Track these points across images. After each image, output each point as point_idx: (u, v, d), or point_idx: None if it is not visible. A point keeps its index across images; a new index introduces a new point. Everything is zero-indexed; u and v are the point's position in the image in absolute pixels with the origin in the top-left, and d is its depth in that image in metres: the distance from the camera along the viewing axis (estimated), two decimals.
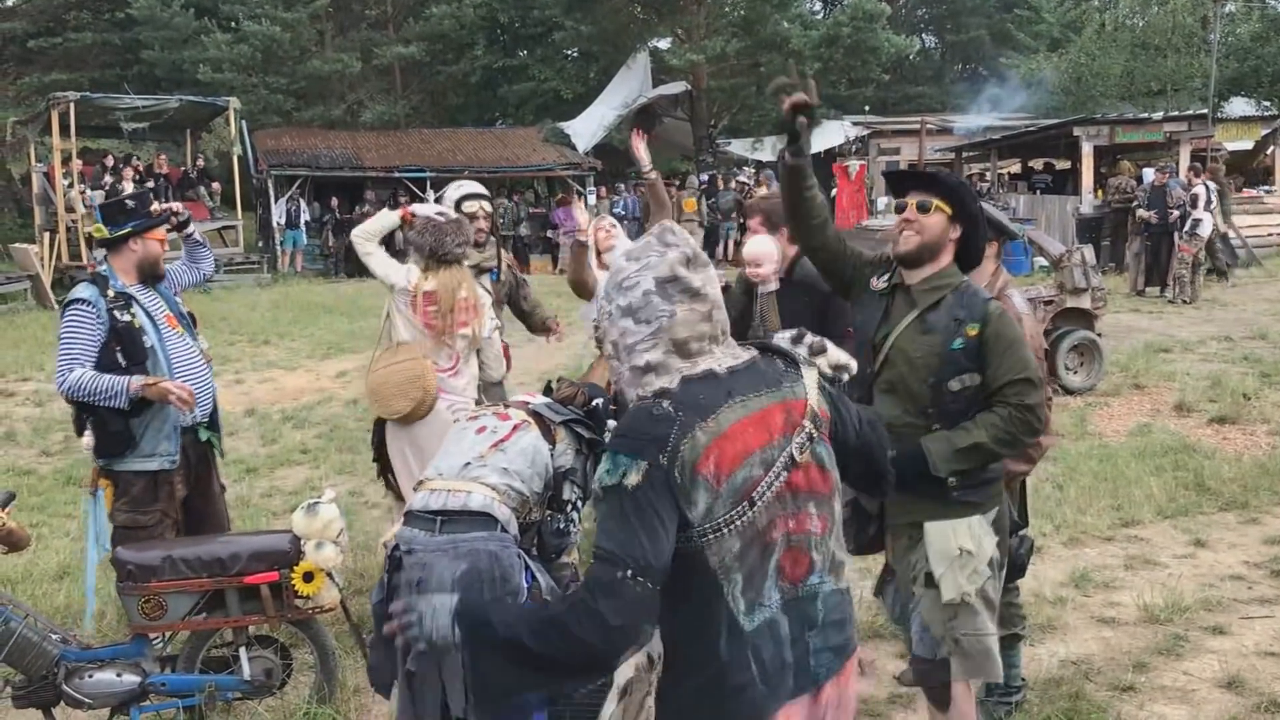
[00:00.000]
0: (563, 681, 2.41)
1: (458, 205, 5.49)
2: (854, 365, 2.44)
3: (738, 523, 2.15)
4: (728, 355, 2.27)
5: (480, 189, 5.74)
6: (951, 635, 3.32)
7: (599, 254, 5.90)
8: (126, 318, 4.43)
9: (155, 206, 4.68)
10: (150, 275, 4.62)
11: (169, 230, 4.80)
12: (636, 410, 2.21)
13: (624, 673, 2.47)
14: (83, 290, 4.44)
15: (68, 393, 4.34)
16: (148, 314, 4.52)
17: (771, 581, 2.20)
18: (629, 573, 2.05)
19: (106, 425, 4.40)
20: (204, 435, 4.70)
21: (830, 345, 2.41)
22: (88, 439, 4.49)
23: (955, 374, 3.25)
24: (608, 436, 4.05)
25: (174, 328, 4.61)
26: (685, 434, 2.12)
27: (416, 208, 5.26)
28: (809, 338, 2.39)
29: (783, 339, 2.39)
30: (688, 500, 2.12)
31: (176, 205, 5.11)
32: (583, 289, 5.80)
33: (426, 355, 5.04)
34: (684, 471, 2.12)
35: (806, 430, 2.25)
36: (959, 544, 3.29)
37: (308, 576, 4.01)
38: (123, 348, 4.40)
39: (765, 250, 4.70)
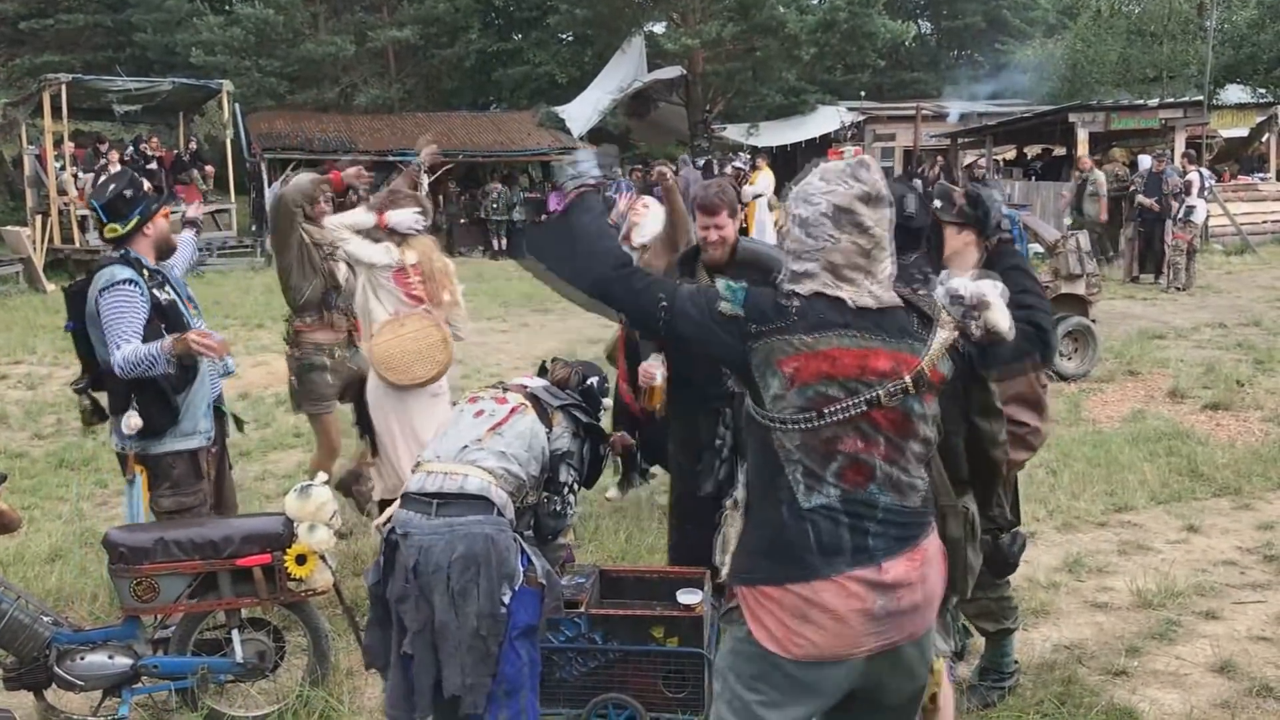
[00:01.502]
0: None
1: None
2: (1005, 327, 2.63)
3: (801, 424, 2.45)
4: (870, 294, 2.49)
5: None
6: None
7: (628, 232, 6.03)
8: (166, 295, 4.47)
9: (147, 185, 4.68)
10: (166, 252, 4.65)
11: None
12: (772, 292, 2.52)
13: (726, 507, 2.75)
14: (123, 271, 4.36)
15: (122, 368, 4.27)
16: (176, 292, 4.57)
17: (832, 480, 2.47)
18: (662, 304, 2.56)
19: (155, 401, 4.37)
20: (226, 409, 4.79)
21: (994, 302, 2.63)
22: (135, 420, 4.37)
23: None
24: (603, 417, 4.06)
25: (189, 309, 4.66)
26: (784, 333, 2.44)
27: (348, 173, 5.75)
28: (972, 292, 2.63)
29: (944, 293, 2.65)
30: (761, 378, 2.48)
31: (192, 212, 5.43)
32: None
33: (438, 324, 5.35)
34: (765, 355, 2.46)
35: (903, 383, 2.46)
36: None
37: (300, 559, 4.00)
38: (167, 324, 4.40)
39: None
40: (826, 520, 2.48)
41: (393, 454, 5.46)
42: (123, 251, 4.46)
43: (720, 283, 2.55)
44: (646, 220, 6.01)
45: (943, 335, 2.54)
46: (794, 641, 2.49)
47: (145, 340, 4.31)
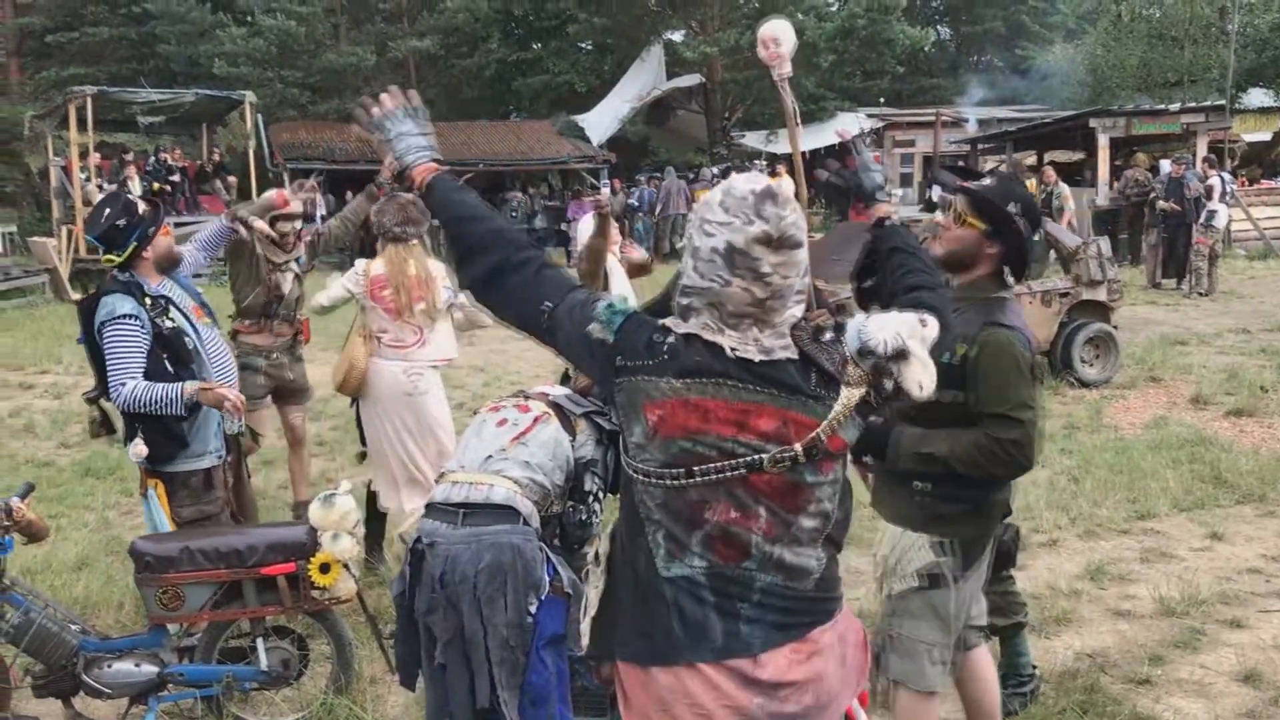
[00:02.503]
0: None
1: (272, 223, 6.08)
2: (924, 389, 2.13)
3: (666, 481, 2.13)
4: (756, 344, 2.12)
5: (294, 210, 6.28)
6: (888, 630, 3.34)
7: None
8: (169, 323, 4.41)
9: (143, 209, 4.61)
10: (168, 266, 4.62)
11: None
12: (646, 322, 2.20)
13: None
14: (123, 304, 4.33)
15: (125, 407, 4.29)
16: (181, 311, 4.52)
17: (698, 550, 2.15)
18: (545, 306, 2.24)
19: (167, 429, 4.36)
20: (233, 427, 4.70)
21: (914, 353, 2.13)
22: (140, 448, 4.37)
23: (941, 387, 3.19)
24: None
25: (200, 318, 4.63)
26: (652, 373, 2.12)
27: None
28: (888, 342, 2.12)
29: (854, 339, 2.15)
30: (625, 421, 2.18)
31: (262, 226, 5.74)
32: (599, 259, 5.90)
33: (371, 337, 5.64)
34: (629, 395, 2.15)
35: (793, 452, 2.10)
36: (883, 550, 3.34)
37: (324, 568, 4.03)
38: (169, 354, 4.37)
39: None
40: (688, 595, 2.15)
41: (383, 455, 5.72)
42: (126, 275, 4.44)
43: (606, 300, 2.23)
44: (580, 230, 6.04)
45: (847, 396, 2.13)
46: None
47: (149, 371, 4.29)
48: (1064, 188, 16.95)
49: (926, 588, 3.24)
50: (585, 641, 2.44)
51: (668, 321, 2.19)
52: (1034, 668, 4.24)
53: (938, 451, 3.10)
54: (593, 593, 2.42)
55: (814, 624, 2.21)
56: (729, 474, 2.10)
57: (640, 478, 2.16)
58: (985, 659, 3.60)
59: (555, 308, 2.24)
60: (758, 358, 2.11)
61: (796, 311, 2.18)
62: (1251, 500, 6.62)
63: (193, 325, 4.54)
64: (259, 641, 4.13)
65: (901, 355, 2.11)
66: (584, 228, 5.93)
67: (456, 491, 3.41)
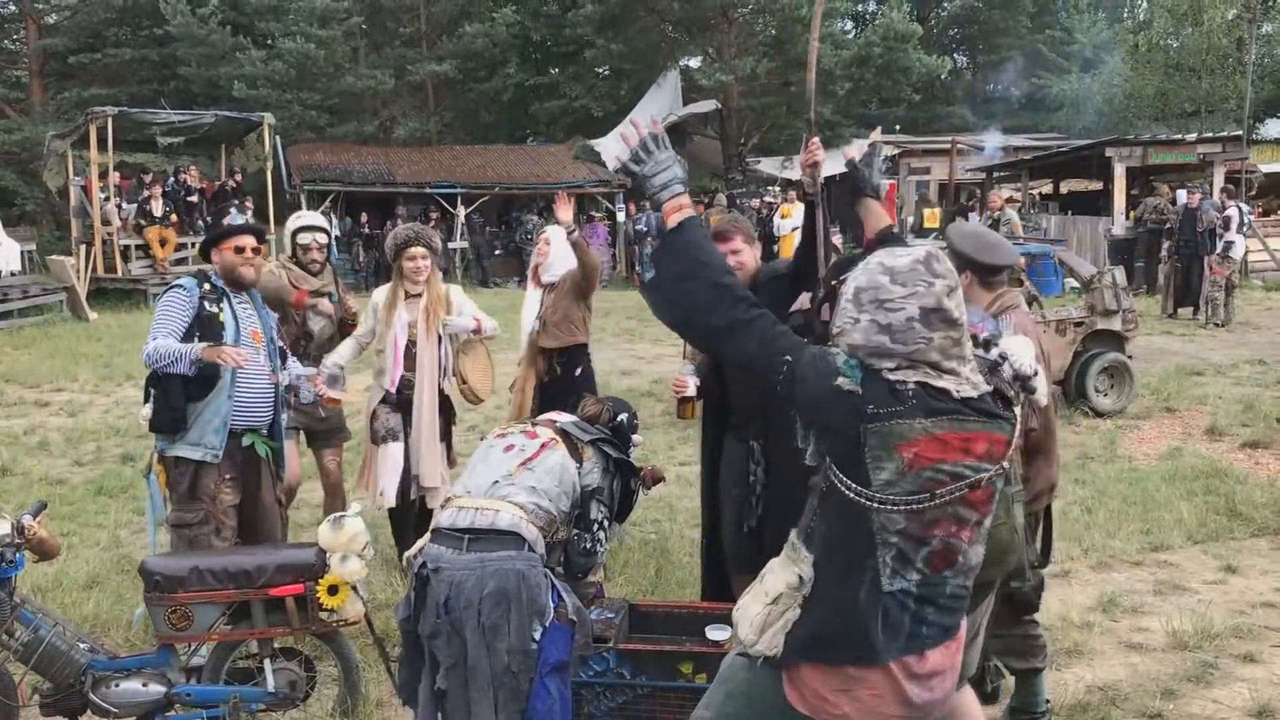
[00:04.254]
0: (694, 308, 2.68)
1: (293, 236, 6.04)
2: (1044, 397, 2.68)
3: (911, 507, 2.40)
4: (970, 383, 2.47)
5: (317, 220, 6.26)
6: None
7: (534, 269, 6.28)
8: (213, 309, 4.68)
9: (226, 219, 4.89)
10: (232, 282, 4.81)
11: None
12: (878, 372, 2.43)
13: (775, 586, 2.61)
14: (183, 280, 4.78)
15: (147, 359, 4.59)
16: (234, 315, 4.74)
17: (921, 564, 2.45)
18: (786, 360, 2.49)
19: (167, 399, 4.60)
20: (249, 440, 4.79)
21: (1040, 370, 2.65)
22: (146, 409, 4.71)
23: None
24: (633, 453, 4.06)
25: (255, 341, 4.79)
26: (904, 417, 2.39)
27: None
28: (1029, 365, 2.59)
29: (1009, 371, 2.58)
30: (874, 460, 2.40)
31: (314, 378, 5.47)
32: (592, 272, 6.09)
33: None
34: (882, 437, 2.39)
35: (1001, 467, 2.49)
36: None
37: (333, 589, 4.03)
38: (201, 334, 4.61)
39: None
40: (897, 605, 2.46)
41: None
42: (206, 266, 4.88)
43: (839, 355, 2.48)
44: (552, 258, 6.13)
45: (1019, 413, 2.57)
46: (827, 710, 2.51)
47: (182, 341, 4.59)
48: (1011, 214, 16.86)
49: None
50: (764, 648, 2.59)
51: (890, 375, 2.43)
52: (1047, 702, 4.21)
53: None
54: (782, 612, 2.60)
55: (962, 622, 2.60)
56: (957, 494, 2.43)
57: (884, 508, 2.41)
58: (968, 697, 3.54)
59: (795, 362, 2.49)
60: (975, 394, 2.46)
61: (970, 349, 2.54)
62: (1267, 533, 6.57)
63: (238, 331, 4.72)
64: (266, 662, 4.14)
65: (1036, 373, 2.60)
66: (559, 250, 6.03)
67: (462, 517, 3.41)
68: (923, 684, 2.50)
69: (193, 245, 22.02)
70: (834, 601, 2.50)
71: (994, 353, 2.59)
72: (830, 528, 2.52)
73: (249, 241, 4.84)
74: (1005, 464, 2.49)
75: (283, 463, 5.09)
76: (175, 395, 4.59)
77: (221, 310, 4.70)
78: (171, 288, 4.76)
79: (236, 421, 4.71)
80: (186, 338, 4.60)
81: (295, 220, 6.18)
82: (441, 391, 5.91)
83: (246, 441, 4.79)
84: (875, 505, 2.41)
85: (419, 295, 5.84)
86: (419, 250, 5.82)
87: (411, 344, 5.79)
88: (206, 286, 4.73)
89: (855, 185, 3.48)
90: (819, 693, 2.52)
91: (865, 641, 2.46)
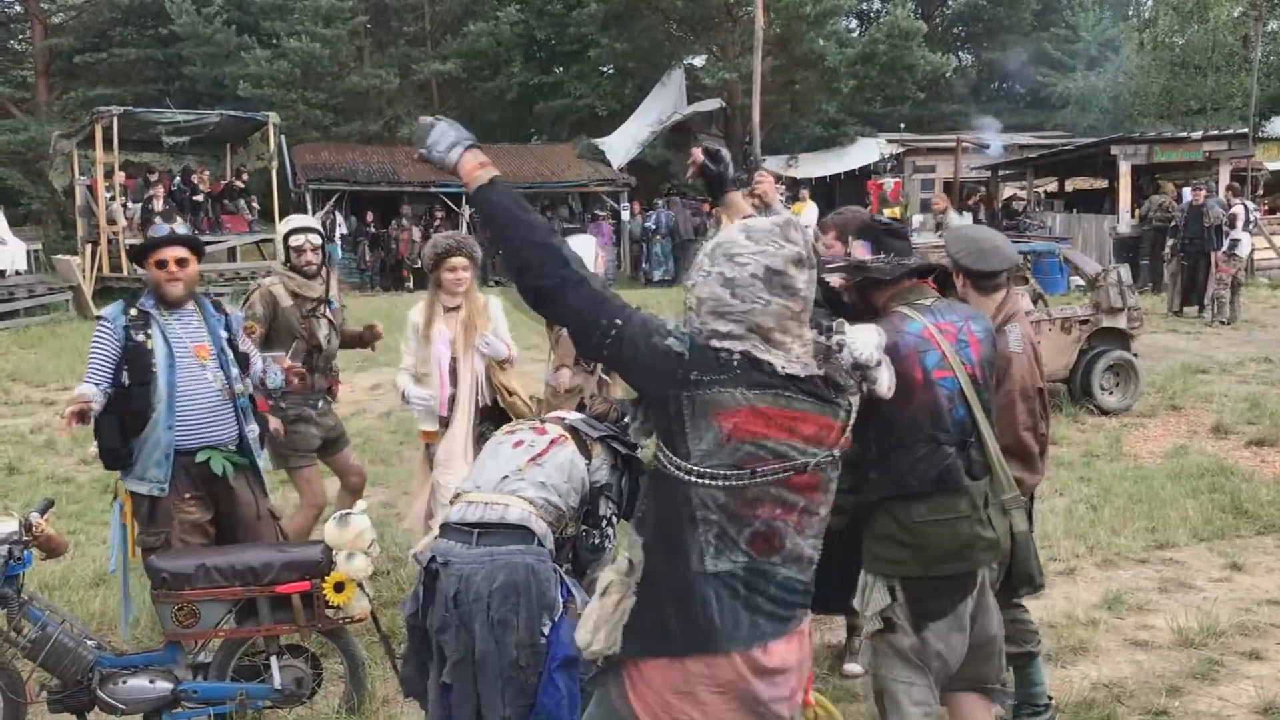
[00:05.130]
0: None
1: (285, 240, 5.78)
2: (887, 388, 2.64)
3: (731, 483, 2.37)
4: (799, 361, 2.42)
5: (307, 221, 6.06)
6: (874, 669, 3.41)
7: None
8: (140, 338, 4.44)
9: (151, 230, 4.65)
10: (161, 300, 4.54)
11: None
12: (703, 345, 2.39)
13: (605, 576, 2.56)
14: (108, 309, 4.55)
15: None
16: (165, 338, 4.47)
17: (744, 545, 2.40)
18: (615, 322, 2.40)
19: (103, 440, 4.50)
20: (204, 456, 4.55)
21: (884, 361, 2.65)
22: (91, 449, 4.66)
23: None
24: (641, 452, 4.07)
25: (201, 357, 4.53)
26: (726, 385, 2.35)
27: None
28: (870, 356, 2.60)
29: (848, 358, 2.57)
30: (694, 429, 2.36)
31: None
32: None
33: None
34: (702, 405, 2.35)
35: (830, 454, 2.45)
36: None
37: (338, 587, 4.05)
38: (130, 367, 4.42)
39: None
40: (726, 589, 2.39)
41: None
42: (145, 287, 4.61)
43: (671, 321, 2.45)
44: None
45: (853, 401, 2.52)
46: (672, 716, 2.42)
47: (115, 380, 4.42)
48: (953, 216, 16.82)
49: (883, 630, 3.29)
50: (601, 646, 2.51)
51: (717, 342, 2.39)
52: (1049, 698, 4.20)
53: None
54: (617, 601, 2.52)
55: (803, 614, 2.53)
56: (780, 475, 2.39)
57: (703, 481, 2.37)
58: (970, 701, 3.54)
59: (625, 324, 2.41)
60: (802, 373, 2.41)
61: (810, 332, 2.49)
62: (1272, 531, 6.56)
63: (170, 355, 4.46)
64: (273, 660, 4.16)
65: (879, 364, 2.59)
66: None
67: (472, 511, 3.43)
68: (769, 680, 2.43)
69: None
70: (664, 584, 2.43)
71: (834, 339, 2.55)
72: (657, 507, 2.48)
73: (172, 254, 4.50)
74: (836, 451, 2.46)
75: (261, 477, 4.79)
76: (109, 435, 4.46)
77: (150, 336, 4.44)
78: (98, 323, 4.52)
79: (186, 443, 4.49)
80: (116, 373, 4.40)
81: (286, 224, 5.95)
82: (495, 405, 5.48)
83: (202, 458, 4.54)
84: (694, 479, 2.37)
85: (457, 308, 5.44)
86: (460, 260, 5.36)
87: (454, 360, 5.41)
88: (133, 313, 4.47)
89: (715, 183, 3.54)
90: (662, 697, 2.43)
91: (701, 627, 2.39)
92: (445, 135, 2.67)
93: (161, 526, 4.51)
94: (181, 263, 4.53)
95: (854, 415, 2.51)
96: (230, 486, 4.64)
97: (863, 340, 2.58)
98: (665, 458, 2.43)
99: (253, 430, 4.70)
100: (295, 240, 5.76)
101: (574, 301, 2.44)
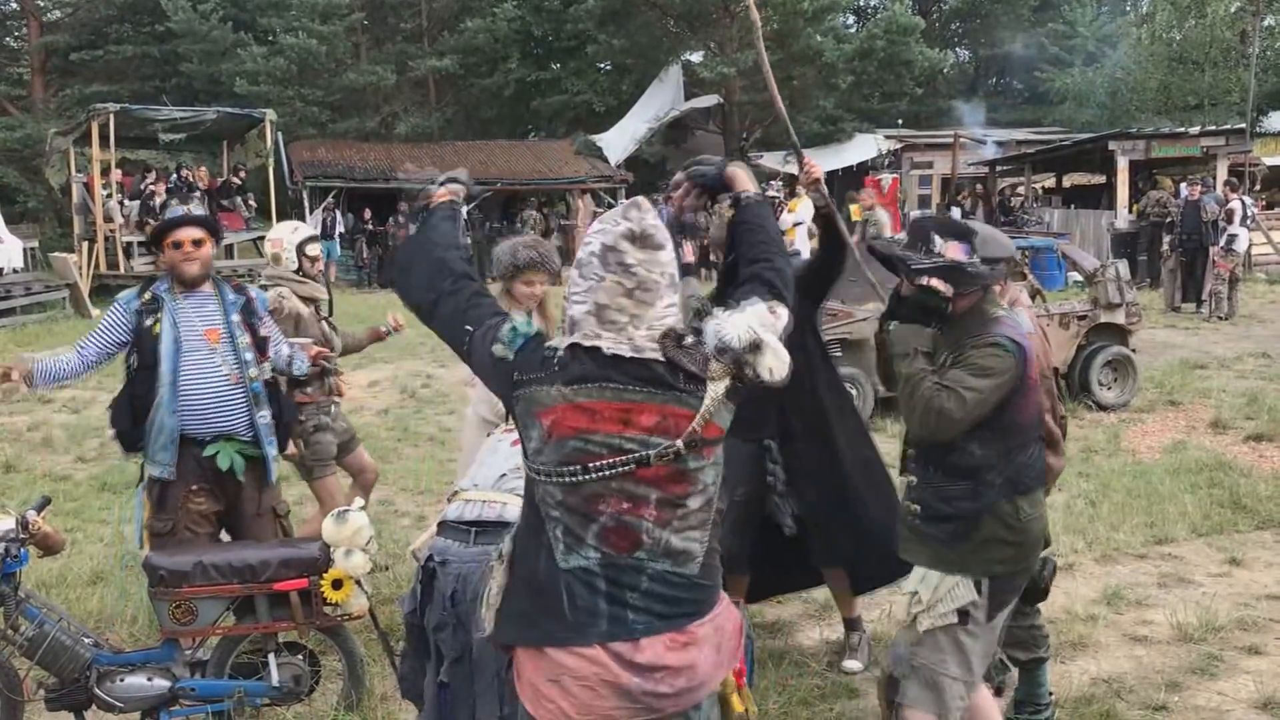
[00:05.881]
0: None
1: (300, 249, 5.77)
2: (779, 374, 2.36)
3: (563, 479, 2.37)
4: (629, 343, 2.38)
5: (313, 229, 6.15)
6: (910, 659, 3.37)
7: None
8: (148, 323, 4.48)
9: (168, 214, 4.71)
10: (181, 282, 4.56)
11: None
12: (543, 343, 2.45)
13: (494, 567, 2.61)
14: (122, 294, 4.63)
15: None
16: (174, 322, 4.47)
17: (593, 542, 2.38)
18: (468, 332, 2.52)
19: (116, 424, 4.58)
20: (211, 450, 4.53)
21: (765, 341, 2.36)
22: (109, 430, 4.69)
23: None
24: None
25: (211, 341, 4.51)
26: (544, 384, 2.38)
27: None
28: (740, 338, 2.35)
29: (713, 339, 2.37)
30: (524, 428, 2.44)
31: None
32: None
33: None
34: (525, 404, 2.41)
35: (675, 446, 2.35)
36: (915, 585, 3.38)
37: (337, 584, 4.04)
38: (137, 351, 4.49)
39: None
40: (582, 584, 2.37)
41: None
42: (160, 272, 4.68)
43: (512, 322, 2.47)
44: None
45: (715, 390, 2.37)
46: (543, 705, 2.41)
47: (126, 373, 4.53)
48: (880, 213, 16.79)
49: (956, 624, 3.30)
50: (489, 629, 2.59)
51: (556, 340, 2.44)
52: (1050, 694, 4.20)
53: (907, 355, 3.27)
54: (494, 586, 2.57)
55: (693, 616, 2.43)
56: (620, 469, 2.35)
57: (540, 478, 2.40)
58: (984, 695, 3.58)
59: (473, 333, 2.50)
60: (629, 354, 2.35)
61: (669, 320, 2.44)
62: (1271, 526, 6.57)
63: (177, 341, 4.45)
64: (271, 657, 4.14)
65: (756, 347, 2.36)
66: None
67: (469, 510, 3.42)
68: (642, 674, 2.37)
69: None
70: (530, 576, 2.46)
71: (692, 324, 2.45)
72: (524, 503, 2.55)
73: (188, 235, 4.52)
74: (680, 445, 2.35)
75: (269, 471, 4.72)
76: (121, 417, 4.52)
77: (158, 320, 4.45)
78: (113, 303, 4.60)
79: (192, 430, 4.47)
80: (126, 355, 4.50)
81: (296, 233, 5.87)
82: None
83: (210, 451, 4.51)
84: (537, 477, 2.43)
85: None
86: (540, 276, 4.77)
87: None
88: (146, 297, 4.52)
89: (712, 186, 3.39)
90: (534, 683, 2.43)
91: (557, 619, 2.38)
92: (428, 178, 2.90)
93: (169, 513, 4.54)
94: (197, 243, 4.55)
95: (720, 404, 2.38)
96: (238, 481, 4.64)
97: (731, 324, 2.38)
98: (522, 457, 2.50)
99: (263, 416, 4.62)
100: (312, 250, 5.84)
101: (443, 311, 2.58)
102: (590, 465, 2.34)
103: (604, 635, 2.36)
